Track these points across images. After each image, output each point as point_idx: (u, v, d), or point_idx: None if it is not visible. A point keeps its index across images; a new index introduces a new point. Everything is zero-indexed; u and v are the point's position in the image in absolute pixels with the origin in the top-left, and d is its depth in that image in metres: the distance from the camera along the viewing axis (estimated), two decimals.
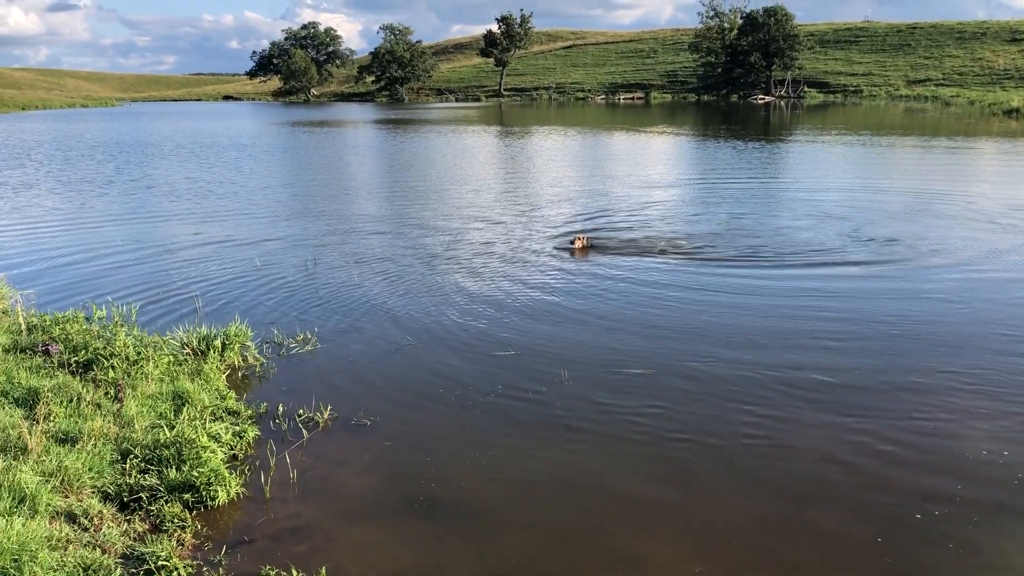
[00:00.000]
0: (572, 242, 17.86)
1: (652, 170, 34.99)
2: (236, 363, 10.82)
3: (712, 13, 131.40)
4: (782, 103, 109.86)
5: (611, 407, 9.45)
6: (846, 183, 29.65)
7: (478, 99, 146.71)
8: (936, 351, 11.19)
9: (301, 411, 9.32)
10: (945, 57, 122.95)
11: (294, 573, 6.06)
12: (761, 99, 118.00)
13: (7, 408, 8.30)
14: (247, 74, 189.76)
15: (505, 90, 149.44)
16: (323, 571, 6.13)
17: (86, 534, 6.54)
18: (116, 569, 6.11)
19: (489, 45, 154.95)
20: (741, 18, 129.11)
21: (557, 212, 23.63)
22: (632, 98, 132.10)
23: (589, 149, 48.29)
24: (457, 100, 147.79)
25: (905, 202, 24.63)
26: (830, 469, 7.97)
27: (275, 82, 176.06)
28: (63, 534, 6.41)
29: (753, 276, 15.58)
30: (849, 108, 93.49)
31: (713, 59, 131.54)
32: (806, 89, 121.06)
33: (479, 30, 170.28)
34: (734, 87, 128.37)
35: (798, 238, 19.15)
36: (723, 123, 70.95)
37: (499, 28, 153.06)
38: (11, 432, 7.76)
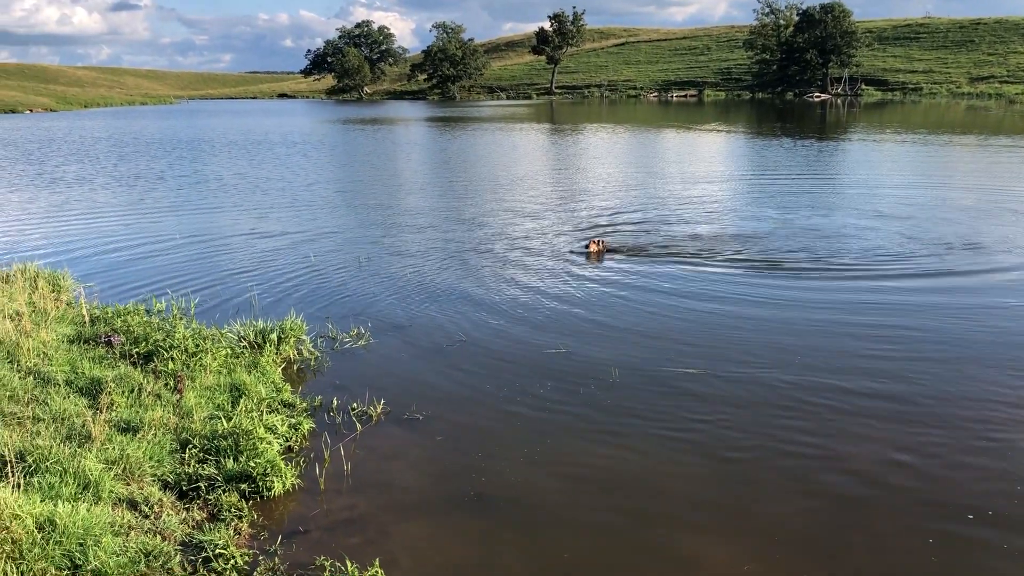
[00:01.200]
0: (587, 246, 17.49)
1: (701, 169, 34.63)
2: (291, 356, 10.98)
3: (768, 10, 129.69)
4: (838, 101, 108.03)
5: (663, 407, 9.39)
6: (904, 183, 29.01)
7: (529, 97, 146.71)
8: (998, 359, 10.92)
9: (354, 405, 9.43)
10: (1010, 54, 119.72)
11: (349, 565, 6.13)
12: (817, 97, 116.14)
13: (72, 397, 8.53)
14: (301, 72, 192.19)
15: (556, 88, 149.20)
16: (377, 563, 6.19)
17: (147, 521, 6.70)
18: (175, 556, 6.25)
19: (541, 43, 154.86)
20: (797, 15, 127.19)
21: (605, 208, 23.51)
22: (685, 96, 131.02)
23: (638, 147, 48.00)
24: (508, 98, 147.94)
25: (968, 204, 24.05)
26: (887, 477, 7.81)
27: (329, 80, 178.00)
28: (125, 520, 6.57)
29: (808, 285, 15.33)
30: (908, 106, 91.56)
31: (768, 56, 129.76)
32: (863, 87, 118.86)
33: (531, 28, 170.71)
34: (789, 85, 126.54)
35: (851, 243, 18.80)
36: (777, 121, 69.99)
37: (551, 26, 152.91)
38: (76, 420, 7.98)
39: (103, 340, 10.06)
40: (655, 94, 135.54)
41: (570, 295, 14.15)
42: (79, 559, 5.89)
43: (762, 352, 11.11)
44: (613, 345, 11.51)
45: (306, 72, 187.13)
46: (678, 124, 68.25)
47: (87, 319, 10.96)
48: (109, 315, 11.23)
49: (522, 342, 11.81)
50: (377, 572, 6.11)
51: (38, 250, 18.29)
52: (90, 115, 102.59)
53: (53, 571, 5.74)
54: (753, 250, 17.69)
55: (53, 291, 12.37)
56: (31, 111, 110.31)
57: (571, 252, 17.71)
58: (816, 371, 10.38)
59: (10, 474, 6.44)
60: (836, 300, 13.73)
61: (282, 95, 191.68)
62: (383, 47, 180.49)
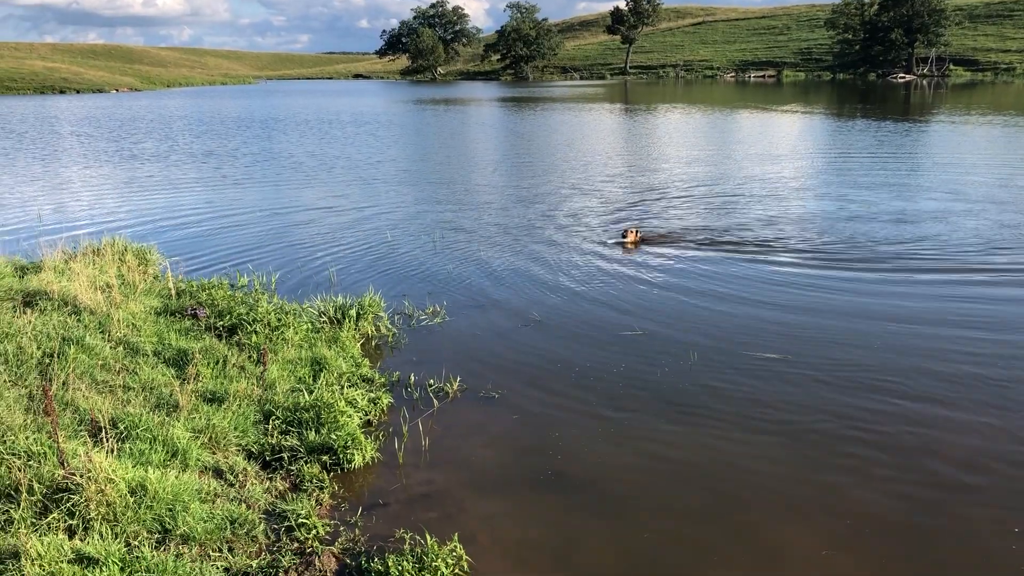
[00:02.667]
0: (624, 235, 16.83)
1: (775, 151, 33.78)
2: (369, 332, 11.10)
3: None
4: (924, 82, 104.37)
5: (743, 391, 9.22)
6: (994, 167, 27.88)
7: (603, 77, 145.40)
8: None
9: (431, 381, 9.49)
10: None
11: (428, 538, 6.17)
12: (901, 78, 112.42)
13: (159, 367, 8.78)
14: (376, 53, 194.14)
15: (631, 68, 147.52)
16: (455, 538, 6.23)
17: (232, 489, 6.86)
18: (260, 524, 6.39)
19: (616, 22, 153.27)
20: None
21: (679, 191, 23.18)
22: (763, 76, 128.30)
23: (710, 128, 47.11)
24: (581, 78, 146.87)
25: None
26: (978, 467, 7.55)
27: (403, 61, 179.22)
28: (211, 488, 6.73)
29: (890, 278, 14.87)
30: (1000, 87, 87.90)
31: (851, 36, 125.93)
32: (951, 67, 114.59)
33: (606, 7, 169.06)
34: (872, 65, 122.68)
35: (934, 230, 18.18)
36: (859, 103, 68.01)
37: (626, 4, 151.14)
38: (164, 390, 8.20)
39: (189, 313, 10.32)
40: (732, 74, 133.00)
41: (641, 279, 13.99)
42: (169, 524, 6.06)
43: (842, 337, 10.81)
44: (689, 328, 11.34)
45: (381, 52, 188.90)
46: (754, 105, 66.84)
47: (173, 292, 11.25)
48: (194, 288, 11.51)
49: (596, 323, 11.73)
50: (456, 547, 6.14)
51: (122, 223, 18.86)
52: (172, 95, 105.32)
53: (145, 534, 5.92)
54: (830, 237, 17.23)
55: (140, 264, 12.72)
56: (117, 91, 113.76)
57: (606, 243, 16.84)
58: (902, 355, 10.07)
59: (104, 440, 6.64)
60: (920, 287, 13.30)
61: (357, 76, 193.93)
62: (457, 27, 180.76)
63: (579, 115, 57.19)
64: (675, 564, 6.22)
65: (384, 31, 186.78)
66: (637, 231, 17.06)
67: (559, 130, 45.97)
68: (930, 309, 12.00)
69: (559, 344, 10.91)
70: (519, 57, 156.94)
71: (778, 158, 30.85)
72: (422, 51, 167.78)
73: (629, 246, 16.39)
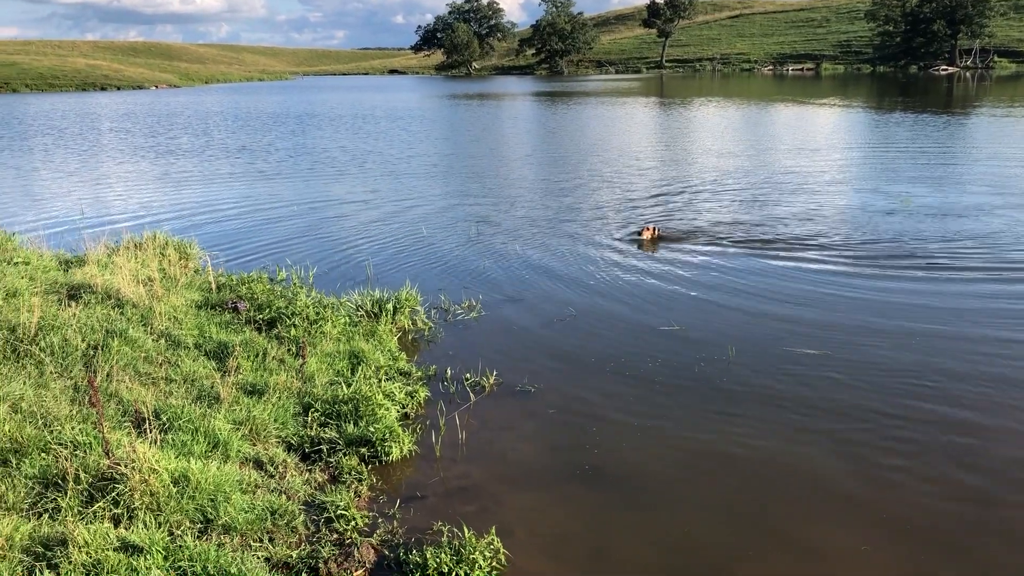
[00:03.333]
0: (640, 232, 16.39)
1: (811, 144, 33.37)
2: (406, 326, 11.16)
3: None
4: (967, 74, 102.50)
5: (782, 388, 9.13)
6: None
7: (638, 71, 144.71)
8: None
9: (468, 375, 9.52)
10: None
11: (466, 531, 6.20)
12: (944, 70, 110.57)
13: (201, 360, 8.90)
14: (411, 48, 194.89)
15: (667, 61, 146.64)
16: (493, 531, 6.25)
17: (272, 480, 6.94)
18: (299, 515, 6.45)
19: (652, 15, 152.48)
20: None
21: (711, 186, 23.00)
22: (801, 69, 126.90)
23: (746, 122, 46.64)
24: (617, 72, 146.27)
25: None
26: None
27: (438, 56, 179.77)
28: (252, 479, 6.82)
29: (935, 276, 14.65)
30: None
31: (891, 28, 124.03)
32: (996, 59, 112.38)
33: (642, 0, 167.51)
34: (914, 57, 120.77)
35: (976, 227, 17.86)
36: (900, 95, 66.99)
37: None
38: (205, 382, 8.32)
39: (230, 306, 10.45)
40: (770, 67, 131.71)
41: (677, 275, 13.90)
42: (211, 514, 6.15)
43: (883, 337, 10.65)
44: (727, 325, 11.25)
45: (416, 48, 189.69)
46: (792, 98, 66.11)
47: (214, 286, 11.40)
48: (234, 282, 11.65)
49: (633, 318, 11.69)
50: (493, 540, 6.16)
51: (161, 217, 19.12)
52: (209, 91, 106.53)
53: (187, 524, 6.01)
54: (868, 234, 16.98)
55: (181, 258, 12.90)
56: (156, 87, 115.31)
57: (620, 240, 16.50)
58: (942, 356, 9.90)
59: (148, 431, 6.75)
60: (961, 286, 13.08)
61: (392, 71, 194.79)
62: (492, 22, 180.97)
63: (613, 109, 56.97)
64: (711, 562, 6.19)
65: (419, 26, 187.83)
66: (655, 228, 16.60)
67: (592, 124, 45.83)
68: (972, 309, 11.78)
69: (595, 339, 10.89)
70: (554, 51, 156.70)
71: (814, 152, 30.48)
72: (457, 46, 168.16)
73: (646, 244, 15.96)
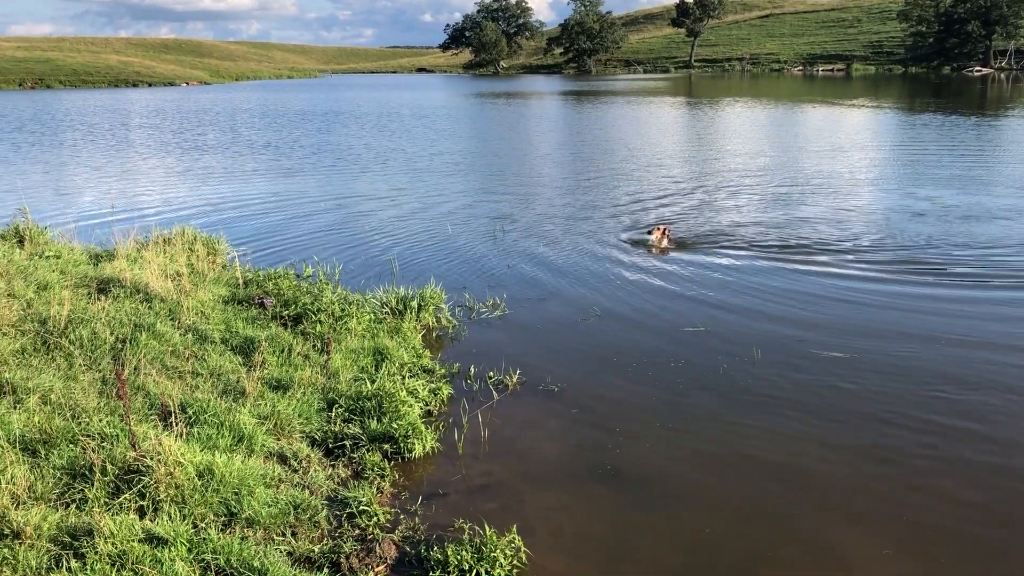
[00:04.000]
0: (650, 232, 16.04)
1: (838, 145, 33.05)
2: (430, 324, 11.19)
3: None
4: (1002, 76, 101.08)
5: (809, 390, 9.06)
6: None
7: (667, 70, 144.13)
8: None
9: (491, 374, 9.53)
10: None
11: (487, 528, 6.21)
12: (978, 71, 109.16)
13: (227, 355, 8.98)
14: (440, 47, 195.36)
15: (695, 61, 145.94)
16: (514, 529, 6.25)
17: (295, 475, 6.99)
18: (322, 510, 6.49)
19: (681, 15, 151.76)
20: None
21: (736, 187, 22.86)
22: (832, 70, 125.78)
23: (773, 122, 46.25)
24: (645, 71, 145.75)
25: None
26: None
27: (466, 55, 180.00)
28: (276, 473, 6.87)
29: (965, 284, 14.47)
30: None
31: (924, 28, 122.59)
32: None
33: (671, 0, 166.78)
34: (947, 58, 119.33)
35: (1009, 233, 17.62)
36: (932, 97, 66.20)
37: None
38: (231, 376, 8.39)
39: (256, 302, 10.53)
40: (799, 68, 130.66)
41: (703, 278, 13.83)
42: (234, 507, 6.20)
43: (911, 342, 10.51)
44: (753, 328, 11.15)
45: (444, 46, 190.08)
46: (821, 99, 65.53)
47: (241, 281, 11.49)
48: (260, 278, 11.73)
49: (658, 320, 11.64)
50: (514, 538, 6.16)
51: (189, 212, 19.30)
52: (239, 88, 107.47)
53: (211, 517, 6.06)
54: (896, 239, 16.82)
55: (209, 254, 13.01)
56: (187, 84, 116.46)
57: (628, 241, 16.25)
58: (972, 364, 9.78)
59: (174, 424, 6.82)
60: (991, 292, 12.91)
61: (420, 69, 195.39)
62: (520, 20, 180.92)
63: (639, 109, 56.76)
64: (734, 563, 6.15)
65: (448, 25, 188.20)
66: (665, 229, 16.22)
67: (618, 124, 45.69)
68: (1003, 317, 11.64)
69: (619, 339, 10.86)
70: (582, 51, 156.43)
71: (841, 153, 30.20)
72: (485, 45, 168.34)
73: (655, 246, 15.67)
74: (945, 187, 22.18)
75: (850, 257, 14.77)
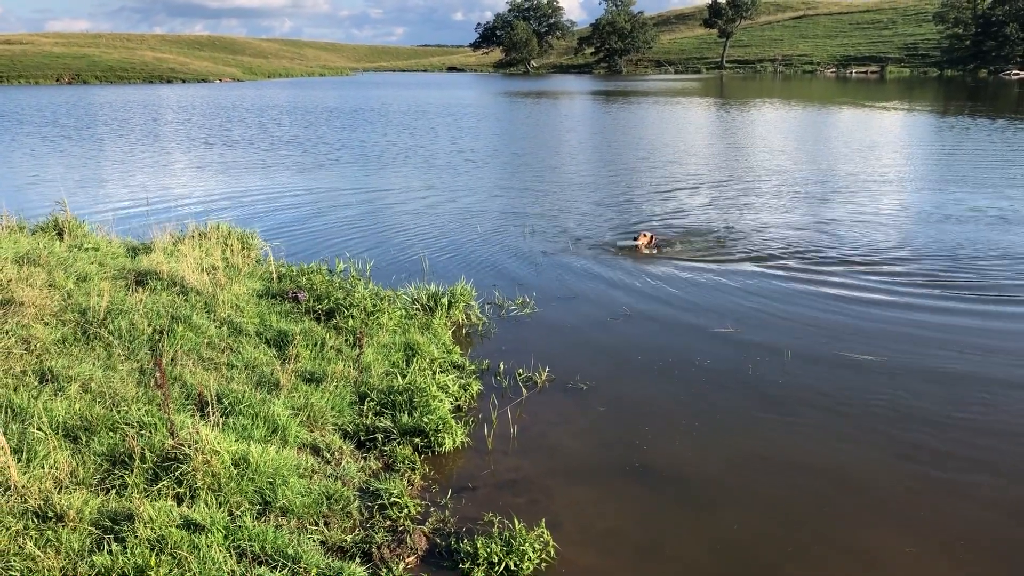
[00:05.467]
0: (635, 238, 15.74)
1: (870, 150, 32.74)
2: (460, 320, 11.29)
3: None
4: None
5: (837, 393, 9.05)
6: None
7: (698, 71, 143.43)
8: None
9: (520, 371, 9.61)
10: None
11: (516, 522, 6.28)
12: (1015, 75, 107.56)
13: (261, 347, 9.13)
14: (470, 46, 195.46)
15: (727, 62, 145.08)
16: (543, 523, 6.32)
17: (328, 466, 7.11)
18: (354, 501, 6.60)
19: (713, 15, 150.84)
20: None
21: (769, 191, 22.76)
22: (865, 72, 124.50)
23: (804, 124, 45.89)
24: (676, 72, 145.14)
25: None
26: None
27: (497, 54, 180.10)
28: (309, 464, 6.99)
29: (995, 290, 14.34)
30: None
31: (961, 31, 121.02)
32: None
33: (703, 0, 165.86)
34: (983, 61, 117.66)
35: None
36: (968, 100, 65.37)
37: None
38: (265, 369, 8.53)
39: (290, 296, 10.67)
40: (833, 70, 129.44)
41: (733, 279, 13.83)
42: (269, 496, 6.32)
43: (943, 347, 10.45)
44: (782, 330, 11.14)
45: (475, 45, 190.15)
46: (856, 101, 64.93)
47: (275, 276, 11.65)
48: (294, 273, 11.89)
49: (686, 320, 11.66)
50: (543, 532, 6.24)
51: (221, 207, 19.54)
52: (271, 85, 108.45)
53: (246, 505, 6.19)
54: (931, 241, 16.68)
55: (243, 248, 13.19)
56: (220, 80, 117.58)
57: (612, 247, 15.91)
58: (1004, 368, 9.71)
59: (210, 413, 6.96)
60: None
61: (451, 68, 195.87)
62: (551, 20, 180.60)
63: (671, 110, 56.54)
64: (764, 562, 6.17)
65: (479, 24, 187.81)
66: (652, 235, 15.87)
67: (649, 124, 45.58)
68: None
69: (648, 339, 10.90)
70: (613, 50, 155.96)
71: (874, 157, 29.93)
72: (516, 44, 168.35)
73: (643, 250, 15.39)
74: (979, 195, 21.94)
75: (882, 262, 14.67)
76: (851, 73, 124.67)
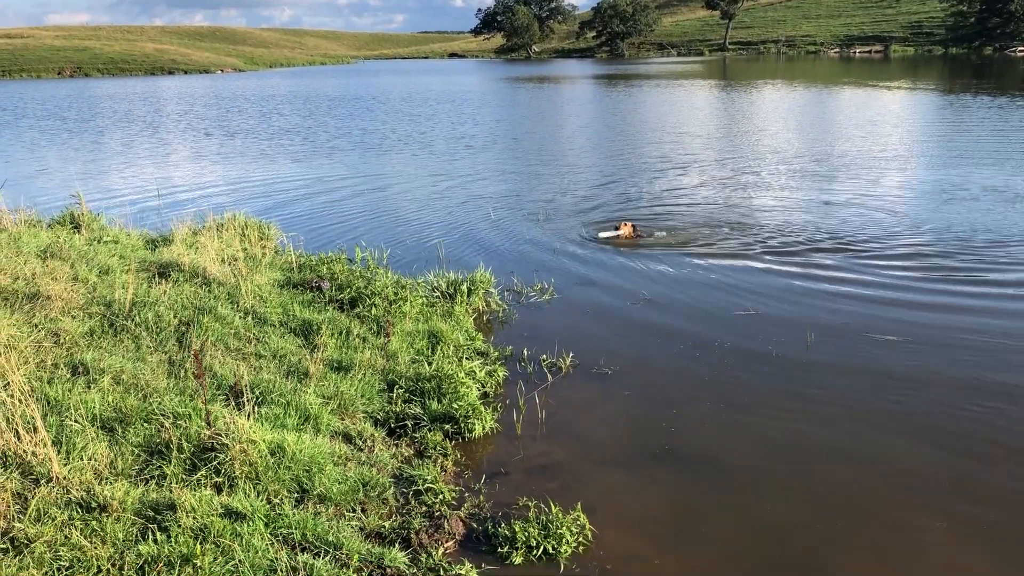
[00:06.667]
0: (616, 227, 15.44)
1: (873, 129, 32.64)
2: (480, 307, 11.32)
3: None
4: None
5: (863, 374, 9.07)
6: None
7: (701, 53, 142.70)
8: None
9: (544, 356, 9.63)
10: None
11: (553, 506, 6.33)
12: (1020, 51, 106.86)
13: (287, 337, 9.17)
14: (471, 32, 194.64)
15: (730, 44, 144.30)
16: (579, 507, 6.37)
17: (361, 454, 7.15)
18: (389, 487, 6.65)
19: None
20: None
21: (786, 172, 22.71)
22: (869, 51, 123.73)
23: (806, 105, 45.69)
24: (679, 55, 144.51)
25: None
26: None
27: (498, 39, 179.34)
28: (342, 452, 7.04)
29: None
30: None
31: (965, 8, 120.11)
32: None
33: None
34: (988, 39, 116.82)
35: None
36: (973, 78, 65.02)
37: None
38: (292, 358, 8.58)
39: (314, 285, 10.71)
40: (836, 50, 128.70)
41: (751, 257, 13.84)
42: (306, 484, 6.37)
43: (972, 333, 10.45)
44: (804, 311, 11.12)
45: (476, 31, 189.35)
46: (859, 81, 64.61)
47: (295, 265, 11.68)
48: (313, 262, 11.92)
49: (707, 302, 11.67)
50: (579, 516, 6.28)
51: (233, 198, 19.56)
52: (273, 75, 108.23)
53: (285, 493, 6.24)
54: (946, 221, 16.66)
55: (260, 239, 13.23)
56: (222, 71, 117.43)
57: (589, 237, 15.53)
58: None
59: (246, 403, 7.00)
60: None
61: (452, 55, 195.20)
62: (552, 4, 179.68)
63: (674, 93, 56.32)
64: (801, 545, 6.19)
65: (479, 10, 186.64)
66: (633, 225, 15.61)
67: (652, 108, 45.45)
68: None
69: (669, 322, 10.92)
70: (615, 34, 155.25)
71: (879, 136, 29.82)
72: (517, 29, 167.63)
73: (623, 240, 15.10)
74: (984, 175, 21.87)
75: (902, 242, 14.65)
76: (855, 53, 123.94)
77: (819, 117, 39.21)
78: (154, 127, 39.18)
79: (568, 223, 16.81)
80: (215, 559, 5.33)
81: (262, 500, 6.04)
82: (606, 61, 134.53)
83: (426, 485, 6.70)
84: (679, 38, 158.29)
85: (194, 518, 5.64)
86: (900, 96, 49.36)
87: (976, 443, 7.56)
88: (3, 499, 5.55)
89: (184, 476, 6.22)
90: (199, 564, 5.22)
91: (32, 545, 5.23)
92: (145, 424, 6.79)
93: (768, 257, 13.82)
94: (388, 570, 5.67)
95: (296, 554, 5.55)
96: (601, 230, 15.78)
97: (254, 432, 6.52)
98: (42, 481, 5.85)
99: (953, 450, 7.45)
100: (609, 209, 18.09)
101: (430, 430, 7.63)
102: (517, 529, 6.10)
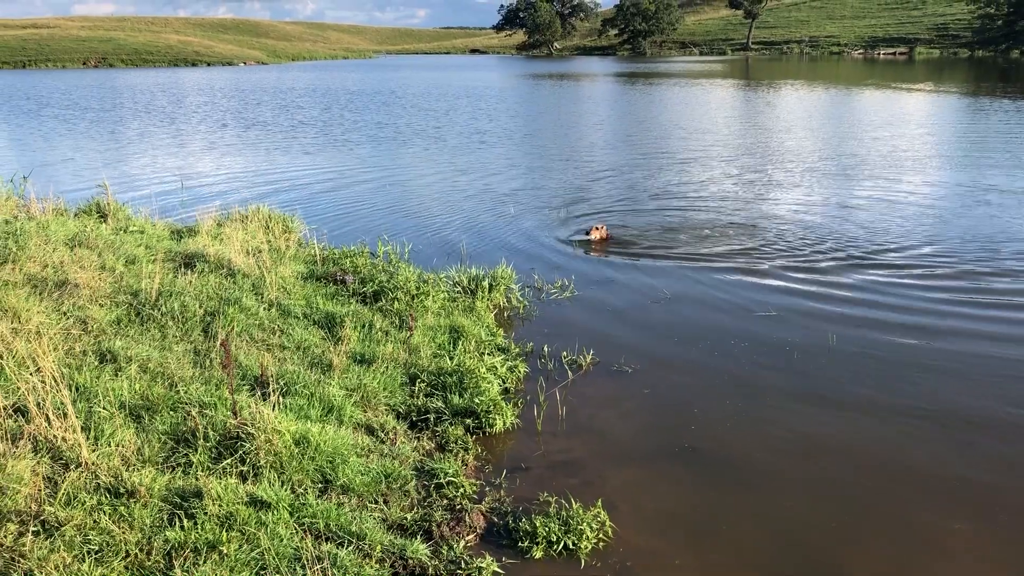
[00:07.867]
0: (588, 232, 15.24)
1: (895, 132, 32.41)
2: (501, 304, 11.37)
3: None
4: None
5: (885, 376, 9.05)
6: None
7: (723, 53, 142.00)
8: None
9: (565, 353, 9.67)
10: None
11: (573, 502, 6.37)
12: None
13: (311, 329, 9.25)
14: (493, 28, 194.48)
15: (753, 43, 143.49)
16: (599, 503, 6.41)
17: (383, 446, 7.22)
18: (411, 480, 6.71)
19: None
20: None
21: (811, 174, 22.61)
22: (893, 53, 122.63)
23: (828, 106, 45.40)
24: (701, 54, 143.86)
25: None
26: None
27: (520, 36, 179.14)
28: (365, 444, 7.11)
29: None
30: None
31: (993, 10, 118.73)
32: None
33: None
34: (1016, 42, 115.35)
35: None
36: (1000, 82, 64.33)
37: None
38: (316, 350, 8.66)
39: (338, 278, 10.80)
40: (860, 51, 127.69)
41: (775, 257, 13.81)
42: (330, 474, 6.45)
43: (991, 339, 10.41)
44: (826, 313, 11.10)
45: (498, 27, 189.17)
46: (883, 83, 64.10)
47: (319, 258, 11.77)
48: (336, 256, 12.01)
49: (727, 302, 11.67)
50: (600, 512, 6.32)
51: (256, 190, 19.69)
52: (295, 68, 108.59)
53: (308, 483, 6.32)
54: (967, 226, 16.56)
55: (284, 231, 13.32)
56: (245, 63, 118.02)
57: (565, 240, 15.39)
58: None
59: (271, 394, 7.08)
60: None
61: (474, 51, 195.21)
62: (575, 1, 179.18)
63: (695, 91, 56.10)
64: (820, 544, 6.21)
65: (502, 6, 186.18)
66: (605, 228, 15.43)
67: (673, 106, 45.31)
68: None
69: (689, 322, 10.93)
70: (637, 32, 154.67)
71: (905, 138, 29.61)
72: (539, 26, 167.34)
73: (595, 245, 14.94)
74: (1010, 178, 21.70)
75: (925, 247, 14.57)
76: (879, 54, 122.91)
77: (844, 119, 38.93)
78: (177, 118, 39.46)
79: (589, 223, 16.79)
80: (240, 546, 5.41)
81: (286, 489, 6.12)
82: (628, 59, 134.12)
83: (447, 479, 6.75)
84: (702, 37, 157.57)
85: (220, 506, 5.72)
86: (922, 99, 48.92)
87: (999, 448, 7.53)
88: (35, 482, 5.65)
89: (210, 464, 6.31)
90: (225, 551, 5.30)
91: (62, 528, 5.32)
92: (172, 412, 6.89)
93: (791, 259, 13.78)
94: (410, 561, 5.73)
95: (320, 543, 5.62)
96: (577, 235, 15.55)
97: (279, 422, 6.60)
98: (72, 466, 5.95)
99: (979, 455, 7.43)
100: (635, 210, 18.07)
101: (451, 424, 7.69)
102: (538, 524, 6.15)
